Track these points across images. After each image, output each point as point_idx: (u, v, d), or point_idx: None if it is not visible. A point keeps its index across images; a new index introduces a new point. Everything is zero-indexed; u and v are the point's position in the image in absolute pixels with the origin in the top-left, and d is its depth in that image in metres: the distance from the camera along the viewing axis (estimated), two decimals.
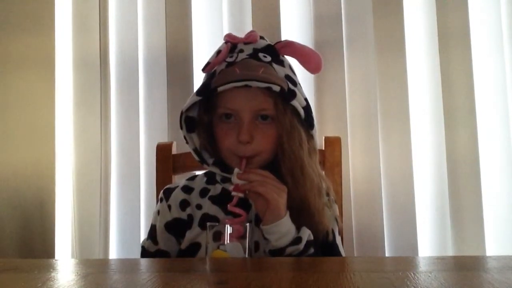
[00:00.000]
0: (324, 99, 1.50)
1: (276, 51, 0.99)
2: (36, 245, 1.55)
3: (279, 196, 0.88)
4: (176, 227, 0.99)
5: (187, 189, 1.02)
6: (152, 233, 1.03)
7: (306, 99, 0.96)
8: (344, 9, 1.53)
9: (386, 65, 1.50)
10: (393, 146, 1.48)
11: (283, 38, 1.50)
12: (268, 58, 0.96)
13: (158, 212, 1.03)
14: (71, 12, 1.61)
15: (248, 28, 1.52)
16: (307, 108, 0.95)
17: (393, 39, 1.50)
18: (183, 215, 0.99)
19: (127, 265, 0.82)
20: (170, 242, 1.00)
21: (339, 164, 1.24)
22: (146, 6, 1.60)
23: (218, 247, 0.84)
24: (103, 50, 1.59)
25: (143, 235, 1.53)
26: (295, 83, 0.96)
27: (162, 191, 1.05)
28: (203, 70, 0.98)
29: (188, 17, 1.56)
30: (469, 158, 1.46)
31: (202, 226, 0.96)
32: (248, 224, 0.85)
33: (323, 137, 1.27)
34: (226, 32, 1.55)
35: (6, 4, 1.61)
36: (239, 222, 0.87)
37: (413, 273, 0.61)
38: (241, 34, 1.02)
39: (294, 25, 1.55)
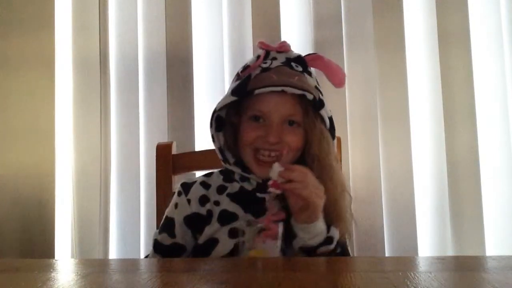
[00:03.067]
0: (325, 99, 1.50)
1: (306, 62, 1.02)
2: (36, 245, 1.55)
3: (319, 198, 0.89)
4: (195, 222, 0.99)
5: (205, 185, 1.03)
6: (169, 226, 1.01)
7: (330, 110, 0.99)
8: (344, 9, 1.53)
9: (386, 65, 1.50)
10: (393, 146, 1.48)
11: (283, 38, 1.50)
12: (300, 68, 0.99)
13: (176, 205, 1.02)
14: (71, 12, 1.61)
15: (248, 28, 1.52)
16: (331, 119, 0.99)
17: (393, 39, 1.50)
18: (203, 210, 1.00)
19: (127, 265, 0.82)
20: (187, 236, 1.00)
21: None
22: (146, 6, 1.60)
23: (253, 247, 0.84)
24: (103, 50, 1.59)
25: (143, 235, 1.53)
26: (322, 94, 1.00)
27: (180, 184, 1.05)
28: (241, 72, 1.00)
29: (188, 17, 1.56)
30: (469, 158, 1.46)
31: (221, 222, 0.96)
32: (280, 224, 0.86)
33: None
34: (226, 32, 1.55)
35: (6, 4, 1.61)
36: (277, 222, 0.87)
37: (413, 273, 0.61)
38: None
39: (294, 25, 1.55)
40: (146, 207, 1.54)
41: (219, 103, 0.97)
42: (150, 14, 1.60)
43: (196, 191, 1.01)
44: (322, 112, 0.96)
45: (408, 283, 0.56)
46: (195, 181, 1.03)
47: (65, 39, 1.62)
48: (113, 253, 1.56)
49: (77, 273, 0.69)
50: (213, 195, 1.00)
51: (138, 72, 1.59)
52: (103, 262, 0.75)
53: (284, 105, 0.94)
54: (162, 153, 1.28)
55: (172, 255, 0.99)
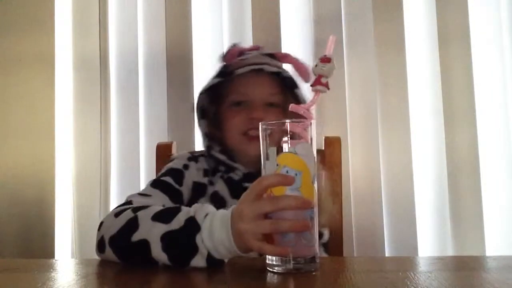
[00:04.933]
0: (324, 99, 1.50)
1: (277, 58, 1.05)
2: (36, 245, 1.55)
3: None
4: (199, 192, 0.99)
5: (207, 161, 1.04)
6: (178, 176, 0.98)
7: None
8: (344, 9, 1.53)
9: (386, 65, 1.50)
10: (393, 146, 1.48)
11: (283, 38, 1.50)
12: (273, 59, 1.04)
13: (186, 166, 1.01)
14: (71, 12, 1.61)
15: (248, 28, 1.52)
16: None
17: (393, 39, 1.50)
18: (204, 181, 1.01)
19: (127, 265, 0.82)
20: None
21: (339, 164, 1.23)
22: (146, 6, 1.60)
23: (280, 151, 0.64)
24: (103, 50, 1.59)
25: None
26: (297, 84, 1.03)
27: (188, 153, 1.05)
28: (223, 58, 1.04)
29: (188, 17, 1.56)
30: (469, 158, 1.46)
31: (211, 203, 0.85)
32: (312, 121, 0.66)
33: (323, 137, 1.27)
34: (226, 32, 1.55)
35: (6, 4, 1.61)
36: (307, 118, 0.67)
37: (413, 273, 0.61)
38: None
39: (294, 25, 1.55)
40: None
41: (203, 86, 1.01)
42: (150, 14, 1.60)
43: (203, 165, 1.03)
44: (298, 92, 1.00)
45: (408, 283, 0.56)
46: (198, 156, 1.05)
47: (65, 39, 1.62)
48: None
49: (77, 273, 0.69)
50: (210, 173, 1.03)
51: (138, 72, 1.59)
52: (103, 262, 0.75)
53: (262, 85, 1.00)
54: (162, 153, 1.28)
55: (172, 199, 0.92)
